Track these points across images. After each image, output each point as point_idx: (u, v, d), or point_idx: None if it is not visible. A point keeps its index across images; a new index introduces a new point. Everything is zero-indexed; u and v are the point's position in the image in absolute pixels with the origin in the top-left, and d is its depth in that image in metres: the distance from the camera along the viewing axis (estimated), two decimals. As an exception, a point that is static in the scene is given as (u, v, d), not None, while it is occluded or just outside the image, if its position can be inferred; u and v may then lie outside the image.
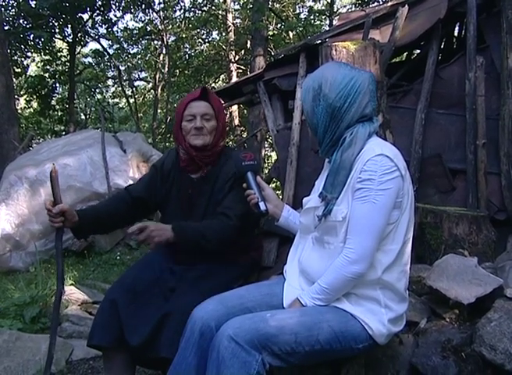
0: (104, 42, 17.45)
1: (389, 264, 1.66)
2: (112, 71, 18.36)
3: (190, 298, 1.93)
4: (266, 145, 14.83)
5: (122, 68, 17.41)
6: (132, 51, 17.84)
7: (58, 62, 15.93)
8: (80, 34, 14.56)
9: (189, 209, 2.30)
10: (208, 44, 17.62)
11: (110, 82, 19.85)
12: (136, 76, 19.48)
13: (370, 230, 1.60)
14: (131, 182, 5.81)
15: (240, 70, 15.78)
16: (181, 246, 2.14)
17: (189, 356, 1.69)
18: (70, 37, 14.50)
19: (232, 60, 15.37)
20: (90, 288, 4.01)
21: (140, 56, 18.52)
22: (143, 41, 17.61)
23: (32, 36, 12.81)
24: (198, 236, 2.13)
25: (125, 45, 16.89)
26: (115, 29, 15.74)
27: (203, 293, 1.94)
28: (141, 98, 20.43)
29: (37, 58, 16.33)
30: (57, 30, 13.76)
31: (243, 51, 16.09)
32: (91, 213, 2.23)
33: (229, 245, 2.22)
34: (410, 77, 4.02)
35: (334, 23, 11.90)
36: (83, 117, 20.38)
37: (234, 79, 14.44)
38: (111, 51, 16.60)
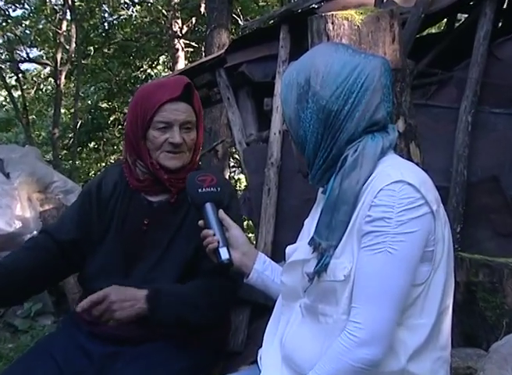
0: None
1: (417, 347, 1.69)
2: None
3: None
4: (231, 164, 14.89)
5: (-3, 41, 17.31)
6: (14, 14, 17.79)
7: None
8: None
9: (139, 250, 2.36)
10: (139, 8, 17.72)
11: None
12: (24, 56, 19.30)
13: (386, 295, 1.63)
14: (19, 224, 5.77)
15: (191, 49, 15.89)
16: (157, 322, 2.19)
17: None
18: None
19: (178, 33, 15.49)
20: None
21: (28, 23, 18.41)
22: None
23: None
24: (187, 307, 2.22)
25: (0, 3, 16.82)
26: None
27: None
28: (33, 91, 20.26)
29: None
30: None
31: (194, 20, 16.22)
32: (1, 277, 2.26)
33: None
34: (450, 60, 4.12)
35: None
36: None
37: (181, 63, 14.53)
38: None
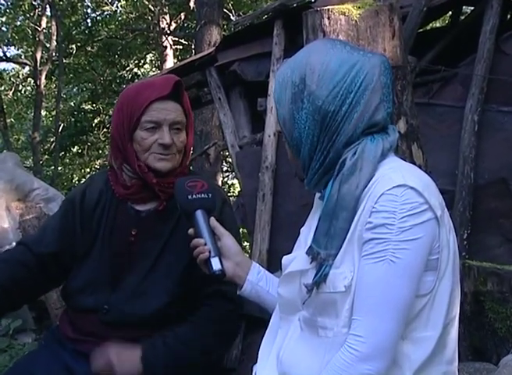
0: None
1: (422, 362, 1.69)
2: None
3: None
4: (224, 168, 14.90)
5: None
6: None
7: None
8: None
9: (127, 262, 2.36)
10: (124, 3, 17.71)
11: (-47, 64, 19.72)
12: (1, 55, 19.30)
13: (388, 306, 1.63)
14: (-5, 236, 5.75)
15: (180, 47, 15.89)
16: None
17: None
18: None
19: (166, 30, 15.49)
20: None
21: (5, 20, 18.39)
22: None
23: None
24: (182, 360, 2.20)
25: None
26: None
27: None
28: (11, 92, 20.25)
29: None
30: None
31: (183, 16, 16.23)
32: None
33: None
34: (454, 56, 4.13)
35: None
36: None
37: (170, 62, 14.54)
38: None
